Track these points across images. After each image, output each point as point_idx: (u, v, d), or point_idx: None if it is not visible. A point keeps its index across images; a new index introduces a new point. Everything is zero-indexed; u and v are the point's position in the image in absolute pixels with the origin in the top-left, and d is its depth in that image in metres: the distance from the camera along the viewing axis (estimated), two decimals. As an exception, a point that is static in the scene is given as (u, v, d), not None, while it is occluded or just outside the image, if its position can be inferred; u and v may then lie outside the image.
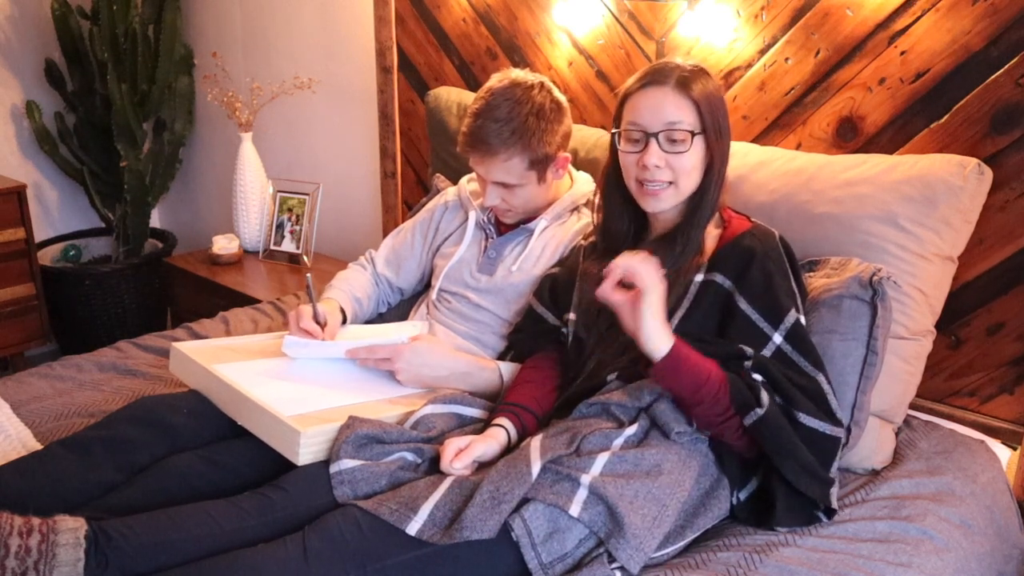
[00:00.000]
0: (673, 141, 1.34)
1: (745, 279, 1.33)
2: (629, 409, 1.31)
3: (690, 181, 1.37)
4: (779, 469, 1.25)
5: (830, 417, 1.28)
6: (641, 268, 1.23)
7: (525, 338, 1.60)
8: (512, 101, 1.60)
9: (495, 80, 1.65)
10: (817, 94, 1.74)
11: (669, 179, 1.36)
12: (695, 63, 1.39)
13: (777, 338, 1.31)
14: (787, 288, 1.34)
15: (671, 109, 1.34)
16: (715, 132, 1.36)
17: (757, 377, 1.27)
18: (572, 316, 1.52)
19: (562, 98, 1.67)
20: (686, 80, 1.35)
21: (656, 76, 1.36)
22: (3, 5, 3.07)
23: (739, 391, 1.24)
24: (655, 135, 1.35)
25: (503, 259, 1.72)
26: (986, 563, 1.36)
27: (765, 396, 1.24)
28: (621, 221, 1.49)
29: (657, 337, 1.23)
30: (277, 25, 2.94)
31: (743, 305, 1.32)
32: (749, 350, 1.29)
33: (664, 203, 1.39)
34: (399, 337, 1.57)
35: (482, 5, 2.26)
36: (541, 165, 1.63)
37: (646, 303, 1.22)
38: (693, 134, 1.34)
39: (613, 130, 1.42)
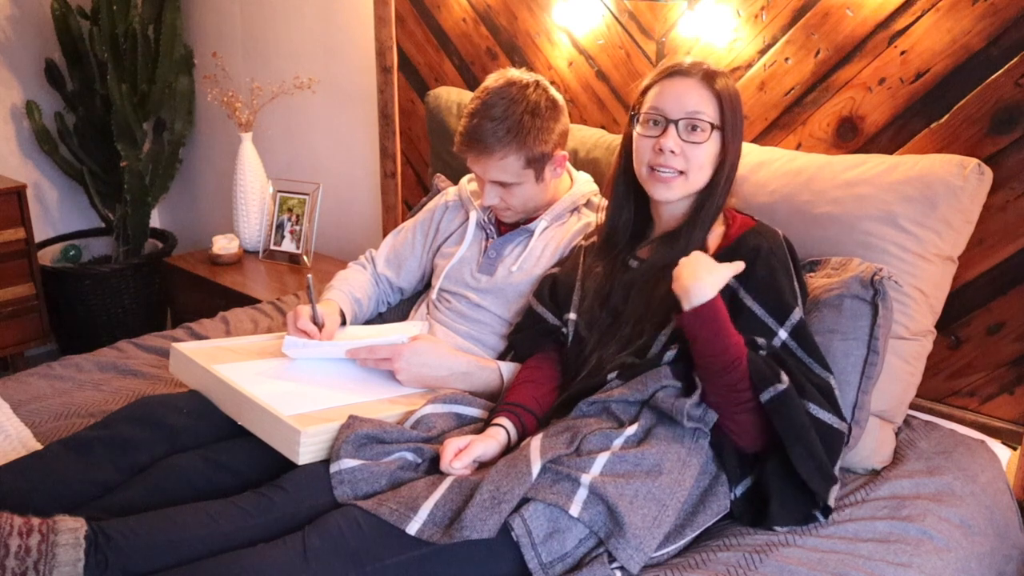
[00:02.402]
0: (692, 131, 1.36)
1: (750, 276, 1.34)
2: (630, 404, 1.31)
3: (701, 175, 1.38)
4: (788, 453, 1.24)
5: (836, 412, 1.29)
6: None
7: (525, 338, 1.60)
8: (507, 100, 1.60)
9: (491, 80, 1.66)
10: (817, 94, 1.74)
11: (681, 168, 1.37)
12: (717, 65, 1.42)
13: (783, 334, 1.31)
14: (791, 287, 1.34)
15: (695, 99, 1.36)
16: (732, 130, 1.38)
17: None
18: (573, 316, 1.52)
19: (558, 96, 1.67)
20: (712, 75, 1.38)
21: (682, 68, 1.40)
22: (3, 5, 3.07)
23: (758, 366, 1.24)
24: (675, 122, 1.37)
25: (503, 259, 1.72)
26: (986, 563, 1.36)
27: (784, 375, 1.25)
28: (625, 213, 1.50)
29: (708, 286, 1.26)
30: (277, 25, 2.94)
31: (748, 301, 1.32)
32: (762, 340, 1.29)
33: (673, 192, 1.39)
34: (399, 337, 1.57)
35: (482, 5, 2.26)
36: (538, 163, 1.63)
37: (694, 259, 1.29)
38: (713, 126, 1.36)
39: (631, 113, 1.44)
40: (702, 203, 1.40)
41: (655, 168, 1.39)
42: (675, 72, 1.39)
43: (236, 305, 2.25)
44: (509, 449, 1.35)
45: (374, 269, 1.90)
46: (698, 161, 1.37)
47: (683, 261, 1.30)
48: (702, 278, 1.26)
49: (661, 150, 1.37)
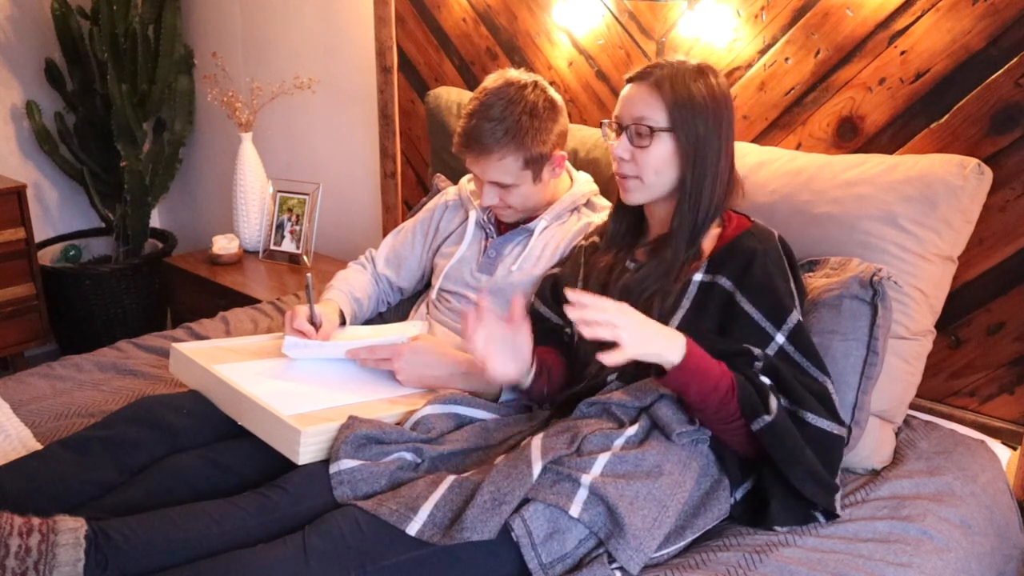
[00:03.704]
0: (638, 136, 1.37)
1: (746, 279, 1.34)
2: (630, 409, 1.31)
3: (658, 178, 1.39)
4: (786, 475, 1.25)
5: (834, 417, 1.29)
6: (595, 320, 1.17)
7: (527, 337, 1.60)
8: (506, 100, 1.60)
9: (490, 80, 1.66)
10: (817, 94, 1.74)
11: (633, 173, 1.39)
12: (698, 62, 1.40)
13: (780, 338, 1.31)
14: (787, 289, 1.34)
15: (640, 105, 1.37)
16: (688, 133, 1.35)
17: (765, 380, 1.27)
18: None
19: (557, 97, 1.67)
20: (662, 79, 1.36)
21: (642, 72, 1.40)
22: (3, 5, 3.06)
23: (747, 396, 1.23)
24: (626, 128, 1.38)
25: (503, 259, 1.72)
26: (986, 563, 1.36)
27: (774, 402, 1.24)
28: (625, 217, 1.51)
29: (668, 347, 1.21)
30: (277, 25, 2.94)
31: (745, 306, 1.32)
32: (757, 351, 1.29)
33: (633, 196, 1.42)
34: (399, 337, 1.57)
35: (482, 5, 2.26)
36: (536, 164, 1.63)
37: (632, 326, 1.19)
38: (653, 130, 1.35)
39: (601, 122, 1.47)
40: (684, 208, 1.39)
41: (617, 174, 1.42)
42: (634, 78, 1.41)
43: (236, 305, 2.25)
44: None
45: (374, 269, 1.90)
46: (649, 165, 1.37)
47: (619, 328, 1.17)
48: (657, 341, 1.20)
49: (614, 157, 1.40)
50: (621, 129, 1.40)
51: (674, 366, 1.21)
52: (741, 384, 1.24)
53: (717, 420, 1.26)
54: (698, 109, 1.36)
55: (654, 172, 1.38)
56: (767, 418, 1.22)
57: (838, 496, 1.30)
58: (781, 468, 1.25)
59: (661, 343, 1.21)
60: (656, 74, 1.37)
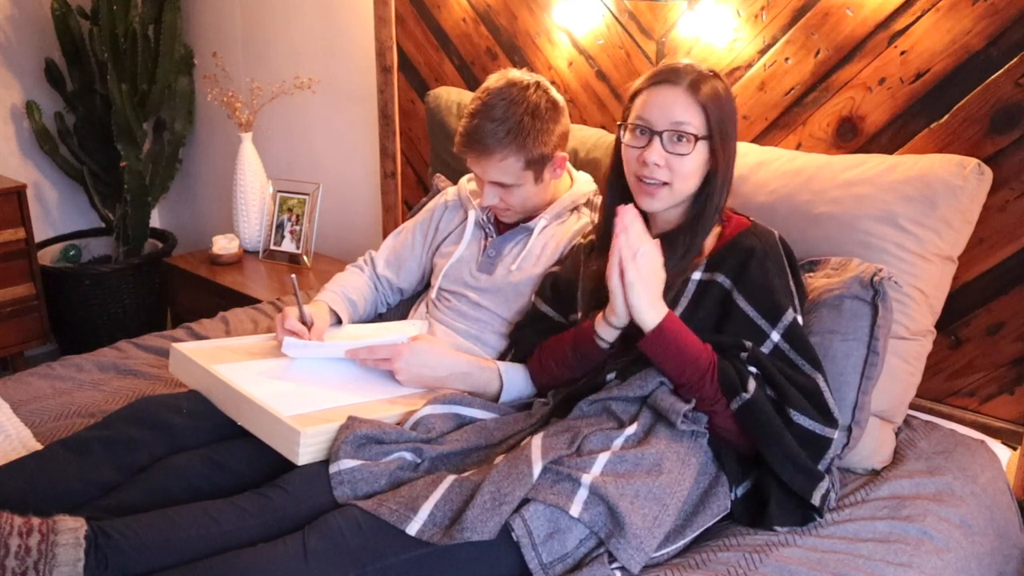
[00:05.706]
0: (676, 142, 1.35)
1: (743, 277, 1.34)
2: (630, 402, 1.31)
3: (687, 184, 1.38)
4: (764, 456, 1.27)
5: (824, 417, 1.29)
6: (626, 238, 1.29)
7: (528, 336, 1.60)
8: (508, 101, 1.60)
9: (492, 80, 1.66)
10: (817, 94, 1.74)
11: (666, 179, 1.36)
12: (710, 67, 1.40)
13: (775, 336, 1.31)
14: (785, 288, 1.34)
15: (679, 110, 1.34)
16: (721, 138, 1.36)
17: (752, 369, 1.28)
18: (579, 316, 1.52)
19: (559, 97, 1.67)
20: (698, 83, 1.35)
21: (670, 75, 1.37)
22: (3, 5, 3.07)
23: (726, 374, 1.26)
24: (660, 133, 1.35)
25: (503, 258, 1.72)
26: (986, 563, 1.37)
27: (752, 383, 1.25)
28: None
29: (653, 308, 1.28)
30: (277, 25, 2.94)
31: (741, 303, 1.33)
32: (748, 343, 1.29)
33: (659, 203, 1.39)
34: (399, 337, 1.57)
35: (482, 5, 2.26)
36: (537, 165, 1.63)
37: (632, 271, 1.28)
38: (697, 138, 1.34)
39: (619, 123, 1.43)
40: (700, 209, 1.39)
41: (641, 179, 1.38)
42: (662, 80, 1.37)
43: (236, 305, 2.25)
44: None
45: (373, 271, 1.90)
46: (683, 172, 1.36)
47: (631, 284, 1.28)
48: (647, 298, 1.28)
49: (645, 162, 1.36)
50: (652, 134, 1.36)
51: (651, 330, 1.26)
52: (722, 364, 1.27)
53: (702, 401, 1.28)
54: (727, 115, 1.37)
55: (684, 178, 1.37)
56: (744, 396, 1.25)
57: (822, 485, 1.30)
58: (759, 448, 1.27)
59: (650, 300, 1.28)
60: (688, 78, 1.35)
